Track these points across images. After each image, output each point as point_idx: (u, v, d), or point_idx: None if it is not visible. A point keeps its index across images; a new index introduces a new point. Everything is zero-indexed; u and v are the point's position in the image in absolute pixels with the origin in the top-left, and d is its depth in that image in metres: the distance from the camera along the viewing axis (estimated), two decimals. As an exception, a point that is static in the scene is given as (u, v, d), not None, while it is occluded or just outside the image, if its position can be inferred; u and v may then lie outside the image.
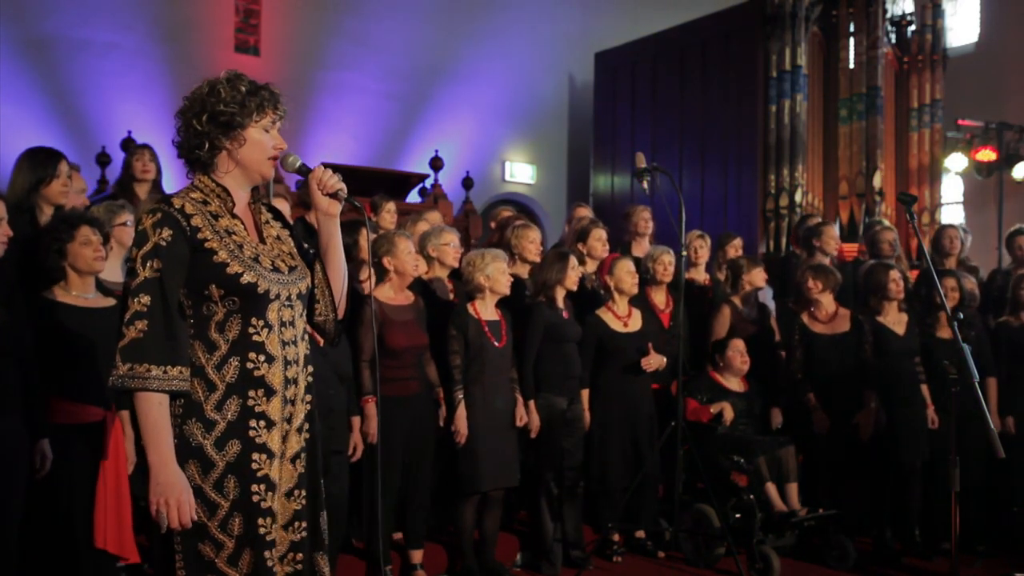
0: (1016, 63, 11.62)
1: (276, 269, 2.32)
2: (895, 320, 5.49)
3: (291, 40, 10.44)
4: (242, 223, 2.34)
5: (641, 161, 5.40)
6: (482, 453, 4.53)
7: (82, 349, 3.51)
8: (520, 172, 12.18)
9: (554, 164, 12.38)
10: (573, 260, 5.05)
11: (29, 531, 3.35)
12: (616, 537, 5.25)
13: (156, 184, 5.55)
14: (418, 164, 10.15)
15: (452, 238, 5.04)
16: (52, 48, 9.14)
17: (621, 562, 5.16)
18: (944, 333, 5.42)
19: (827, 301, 5.54)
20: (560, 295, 4.99)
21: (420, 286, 4.84)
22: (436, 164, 9.32)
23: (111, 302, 3.69)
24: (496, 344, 4.63)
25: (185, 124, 2.29)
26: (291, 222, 2.56)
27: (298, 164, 2.43)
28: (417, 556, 4.58)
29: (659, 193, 5.30)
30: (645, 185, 5.34)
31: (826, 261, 6.16)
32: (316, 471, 2.41)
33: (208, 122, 2.26)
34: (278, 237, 2.43)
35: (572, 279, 4.99)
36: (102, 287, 3.73)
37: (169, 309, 2.17)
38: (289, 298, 2.34)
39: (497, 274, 4.64)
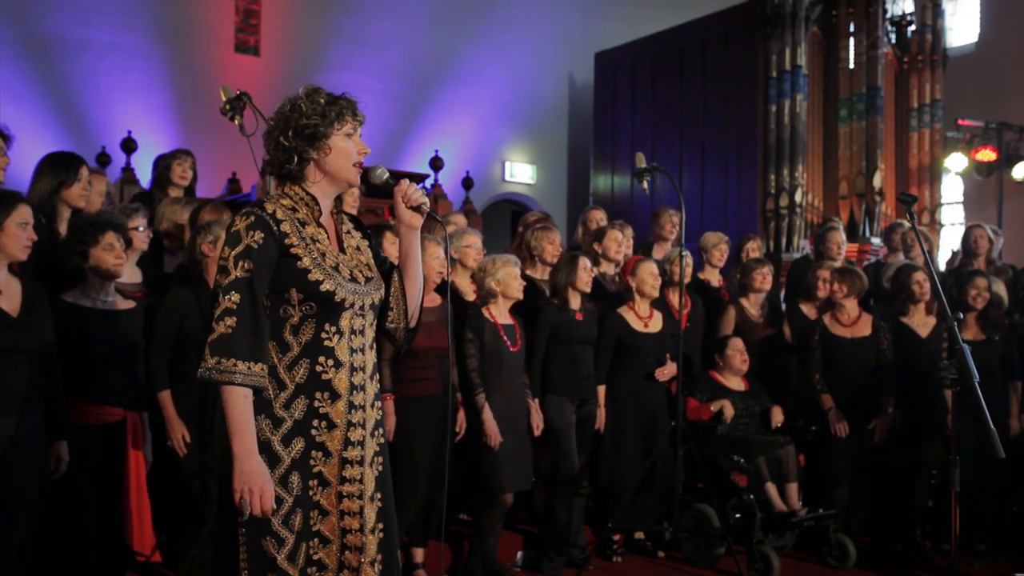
0: (1016, 63, 11.63)
1: (353, 279, 2.42)
2: (921, 322, 5.45)
3: (291, 40, 10.45)
4: (325, 231, 2.44)
5: (641, 161, 5.40)
6: (502, 457, 4.53)
7: (102, 351, 3.56)
8: (520, 172, 12.18)
9: (554, 164, 12.39)
10: (584, 261, 5.04)
11: (46, 529, 3.39)
12: (616, 537, 5.25)
13: (189, 189, 5.56)
14: (418, 164, 10.16)
15: (474, 240, 5.03)
16: (52, 48, 9.14)
17: (621, 562, 5.16)
18: (968, 334, 5.34)
19: (851, 305, 5.48)
20: (573, 296, 4.99)
21: (446, 288, 4.84)
22: (436, 164, 9.33)
23: (131, 304, 3.74)
24: (511, 348, 4.64)
25: (273, 142, 2.41)
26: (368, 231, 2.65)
27: (385, 177, 2.53)
28: (419, 555, 4.58)
29: (659, 193, 5.31)
30: (645, 185, 5.34)
31: (835, 265, 6.12)
32: (388, 474, 2.52)
33: (294, 137, 2.38)
34: (357, 247, 2.53)
35: (583, 280, 4.99)
36: (119, 291, 3.77)
37: (257, 308, 2.28)
38: (362, 308, 2.44)
39: (508, 279, 4.64)
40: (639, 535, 5.36)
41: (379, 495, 2.46)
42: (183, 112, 9.60)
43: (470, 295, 4.98)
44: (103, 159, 8.46)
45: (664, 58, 10.53)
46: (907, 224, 7.48)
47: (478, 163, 11.27)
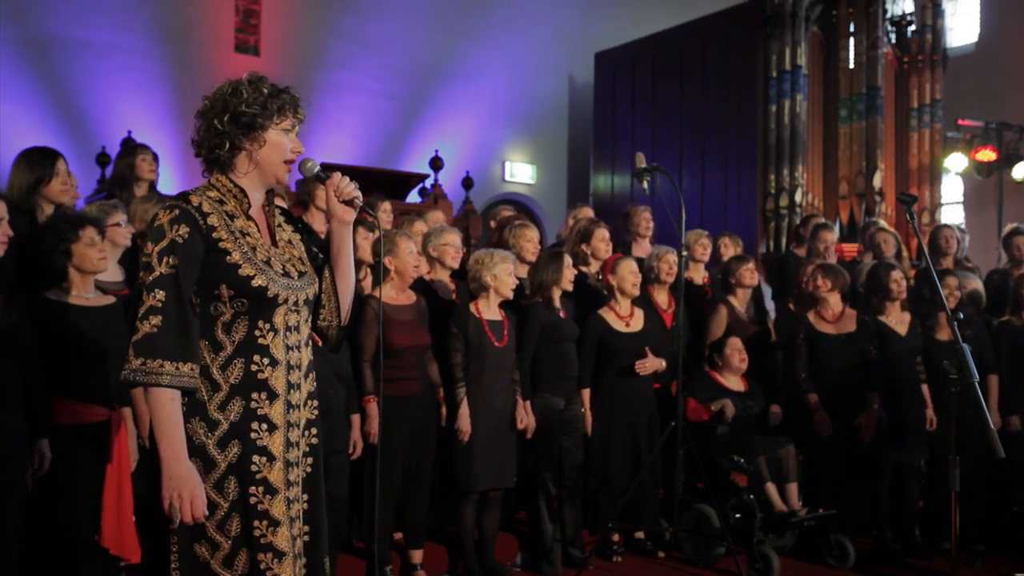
0: (1016, 63, 11.62)
1: (286, 274, 2.33)
2: (898, 320, 5.48)
3: (291, 40, 10.45)
4: (256, 225, 2.35)
5: (641, 161, 5.39)
6: (478, 453, 4.52)
7: (86, 349, 3.51)
8: (520, 172, 12.18)
9: (554, 164, 12.39)
10: (567, 259, 5.04)
11: (32, 530, 3.35)
12: (616, 537, 5.25)
13: (152, 184, 5.53)
14: (418, 164, 10.15)
15: (452, 238, 5.03)
16: (52, 48, 9.14)
17: (621, 562, 5.16)
18: (943, 335, 5.39)
19: (834, 301, 5.51)
20: (556, 295, 4.98)
21: (422, 286, 4.84)
22: (436, 164, 9.32)
23: (111, 300, 3.69)
24: (497, 344, 4.63)
25: (206, 123, 2.30)
26: (301, 225, 2.56)
27: (316, 170, 2.43)
28: (417, 556, 4.58)
29: (659, 193, 5.30)
30: (645, 185, 5.33)
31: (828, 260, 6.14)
32: (319, 475, 2.42)
33: (230, 122, 2.28)
34: (289, 241, 2.43)
35: (567, 278, 4.98)
36: (100, 287, 3.73)
37: (184, 306, 2.18)
38: (296, 303, 2.34)
39: (504, 275, 4.64)
40: (639, 535, 5.36)
41: (305, 496, 2.37)
42: (183, 112, 9.58)
43: (451, 293, 4.98)
44: (103, 159, 8.45)
45: (664, 58, 10.53)
46: (880, 222, 7.51)
47: (478, 163, 11.26)
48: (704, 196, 9.85)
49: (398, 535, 4.69)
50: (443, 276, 5.06)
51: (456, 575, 4.81)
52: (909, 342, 5.43)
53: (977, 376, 3.32)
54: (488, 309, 4.67)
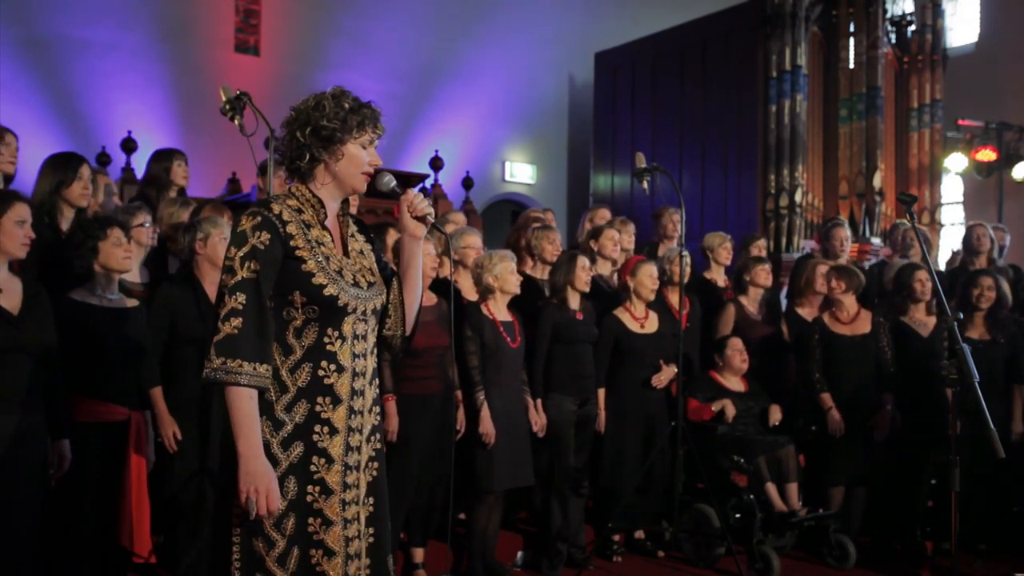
0: (1016, 63, 11.62)
1: (356, 284, 2.41)
2: (922, 321, 5.45)
3: (291, 40, 10.45)
4: (330, 235, 2.43)
5: (641, 161, 5.40)
6: (497, 454, 4.53)
7: (108, 349, 3.58)
8: (520, 172, 12.18)
9: (554, 164, 12.39)
10: (582, 260, 5.04)
11: (48, 528, 3.39)
12: (616, 537, 5.25)
13: (182, 189, 5.55)
14: (418, 164, 10.15)
15: (473, 240, 5.03)
16: (52, 48, 9.14)
17: (621, 562, 5.16)
18: (974, 334, 5.33)
19: (849, 302, 5.48)
20: (572, 296, 4.99)
21: (446, 287, 4.84)
22: (436, 164, 9.33)
23: (135, 302, 3.77)
24: (511, 344, 4.65)
25: (290, 135, 2.40)
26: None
27: (392, 185, 2.53)
28: (419, 555, 4.59)
29: (659, 193, 5.30)
30: (645, 185, 5.34)
31: (841, 262, 6.12)
32: (384, 479, 2.50)
33: (311, 135, 2.37)
34: (361, 251, 2.52)
35: (582, 279, 4.98)
36: (123, 288, 3.78)
37: (263, 309, 2.28)
38: (365, 312, 2.43)
39: (505, 274, 4.65)
40: (639, 535, 5.37)
41: (371, 499, 2.46)
42: (183, 112, 9.60)
43: (472, 295, 4.98)
44: (103, 159, 8.46)
45: (664, 58, 10.53)
46: (907, 223, 7.47)
47: (478, 163, 11.27)
48: (704, 196, 9.85)
49: (401, 533, 4.69)
50: (465, 277, 5.06)
51: (458, 575, 4.81)
52: (932, 343, 5.35)
53: (977, 376, 3.32)
54: (499, 310, 4.68)
